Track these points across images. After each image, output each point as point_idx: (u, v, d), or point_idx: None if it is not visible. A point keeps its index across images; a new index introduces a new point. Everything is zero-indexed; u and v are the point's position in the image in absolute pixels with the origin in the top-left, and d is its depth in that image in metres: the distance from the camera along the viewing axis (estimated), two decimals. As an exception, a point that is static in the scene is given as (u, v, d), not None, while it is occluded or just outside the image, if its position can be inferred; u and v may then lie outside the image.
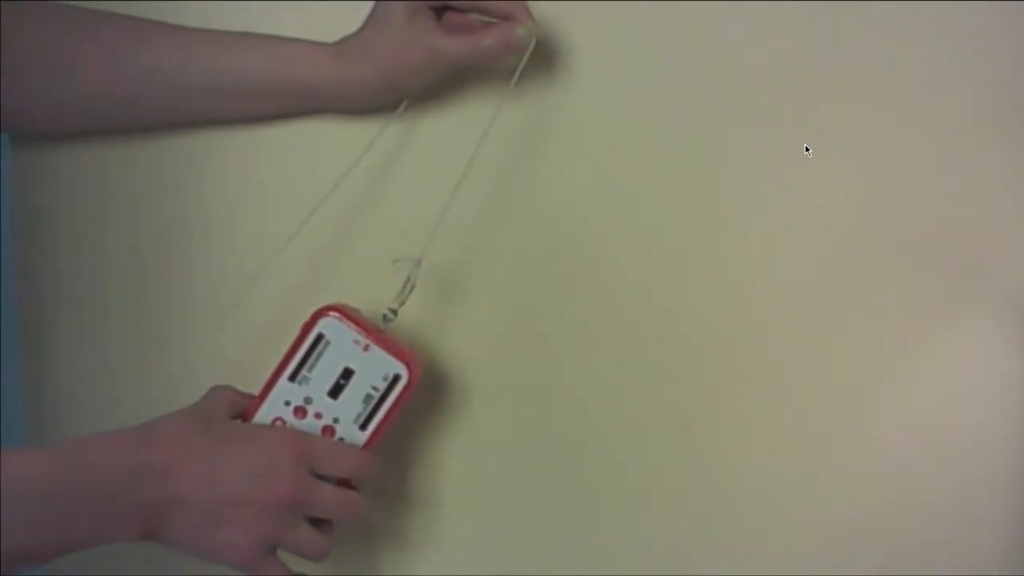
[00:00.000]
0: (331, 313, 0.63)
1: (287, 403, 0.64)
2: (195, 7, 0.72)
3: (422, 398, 0.71)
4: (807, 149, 0.70)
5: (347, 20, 0.68)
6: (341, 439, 0.64)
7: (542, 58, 0.69)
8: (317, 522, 0.62)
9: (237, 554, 0.60)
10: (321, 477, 0.62)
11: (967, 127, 0.69)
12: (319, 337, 0.63)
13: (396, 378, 0.63)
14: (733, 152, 0.71)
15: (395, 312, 0.65)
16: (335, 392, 0.63)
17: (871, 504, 0.71)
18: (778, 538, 0.72)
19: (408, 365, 0.63)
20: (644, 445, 0.73)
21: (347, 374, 0.63)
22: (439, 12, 0.67)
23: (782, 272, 0.71)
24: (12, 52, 0.66)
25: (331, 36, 0.68)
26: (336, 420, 0.64)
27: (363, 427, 0.64)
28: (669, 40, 0.71)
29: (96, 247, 0.76)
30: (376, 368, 0.63)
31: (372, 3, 0.67)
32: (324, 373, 0.63)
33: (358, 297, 0.71)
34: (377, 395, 0.63)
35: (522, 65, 0.66)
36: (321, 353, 0.63)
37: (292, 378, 0.63)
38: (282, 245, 0.68)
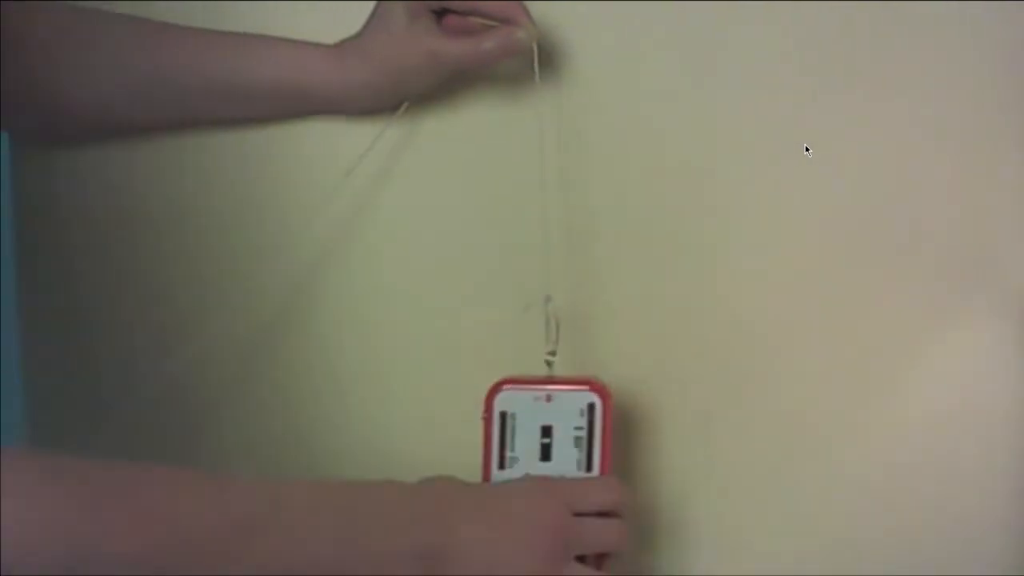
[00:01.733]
0: (502, 388, 0.62)
1: None
2: (195, 8, 0.72)
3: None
4: (807, 149, 0.70)
5: (347, 22, 0.68)
6: None
7: (541, 61, 0.69)
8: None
9: None
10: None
11: (967, 127, 0.69)
12: (503, 415, 0.62)
13: (592, 407, 0.62)
14: (733, 152, 0.71)
15: (553, 354, 0.64)
16: (546, 454, 0.62)
17: (870, 504, 0.71)
18: (779, 536, 0.73)
19: (594, 389, 0.62)
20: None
21: (547, 432, 0.62)
22: (439, 15, 0.67)
23: (781, 271, 0.71)
24: (14, 52, 0.66)
25: (332, 37, 0.68)
26: (563, 478, 0.62)
27: (589, 468, 0.62)
28: (669, 41, 0.71)
29: (96, 247, 0.76)
30: (569, 410, 0.62)
31: (373, 5, 0.67)
32: (527, 443, 0.62)
33: (356, 298, 0.71)
34: (584, 432, 0.62)
35: (536, 66, 0.66)
36: (514, 428, 0.62)
37: (502, 466, 0.62)
38: (283, 250, 0.68)
